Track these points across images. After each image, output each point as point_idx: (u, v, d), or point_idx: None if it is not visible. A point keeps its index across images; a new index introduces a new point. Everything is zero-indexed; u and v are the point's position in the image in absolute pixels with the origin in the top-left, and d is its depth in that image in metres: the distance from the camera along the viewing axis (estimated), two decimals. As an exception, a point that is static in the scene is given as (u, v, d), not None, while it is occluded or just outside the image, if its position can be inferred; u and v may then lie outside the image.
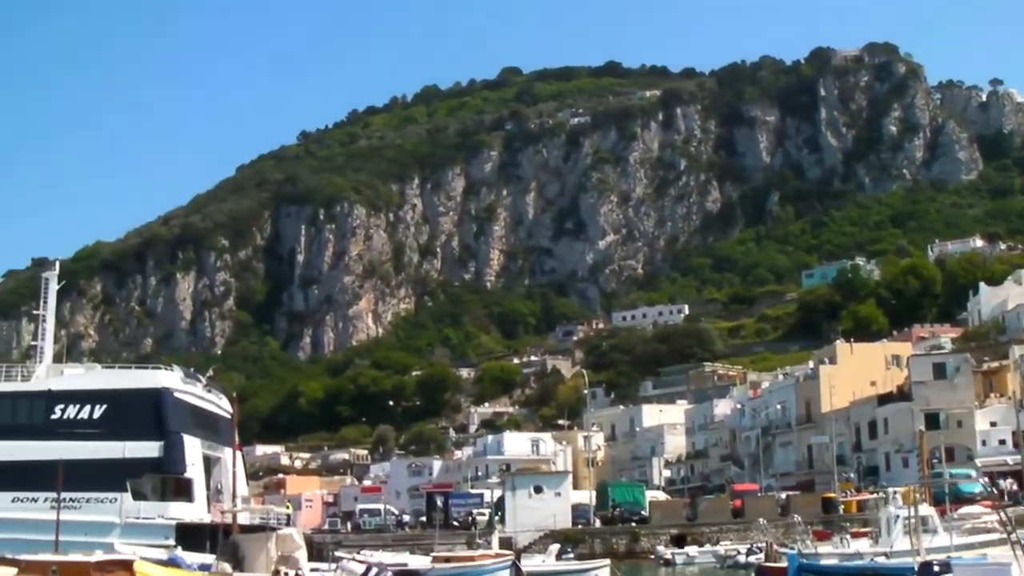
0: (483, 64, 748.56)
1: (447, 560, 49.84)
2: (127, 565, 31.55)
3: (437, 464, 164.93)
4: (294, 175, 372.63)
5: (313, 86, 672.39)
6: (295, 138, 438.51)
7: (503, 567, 47.02)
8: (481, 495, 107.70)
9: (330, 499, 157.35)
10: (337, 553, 57.62)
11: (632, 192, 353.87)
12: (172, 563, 44.12)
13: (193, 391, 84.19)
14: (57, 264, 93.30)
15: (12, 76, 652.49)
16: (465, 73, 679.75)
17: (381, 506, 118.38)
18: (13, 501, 71.70)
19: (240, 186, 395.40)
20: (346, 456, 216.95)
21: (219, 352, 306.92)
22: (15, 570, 31.33)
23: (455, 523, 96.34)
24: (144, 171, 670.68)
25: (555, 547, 64.17)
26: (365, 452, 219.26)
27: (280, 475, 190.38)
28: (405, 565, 47.74)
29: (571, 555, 68.76)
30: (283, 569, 38.83)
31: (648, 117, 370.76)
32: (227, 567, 42.63)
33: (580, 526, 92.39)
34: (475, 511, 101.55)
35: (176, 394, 79.41)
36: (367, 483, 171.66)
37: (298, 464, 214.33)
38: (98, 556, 32.14)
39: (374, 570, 39.82)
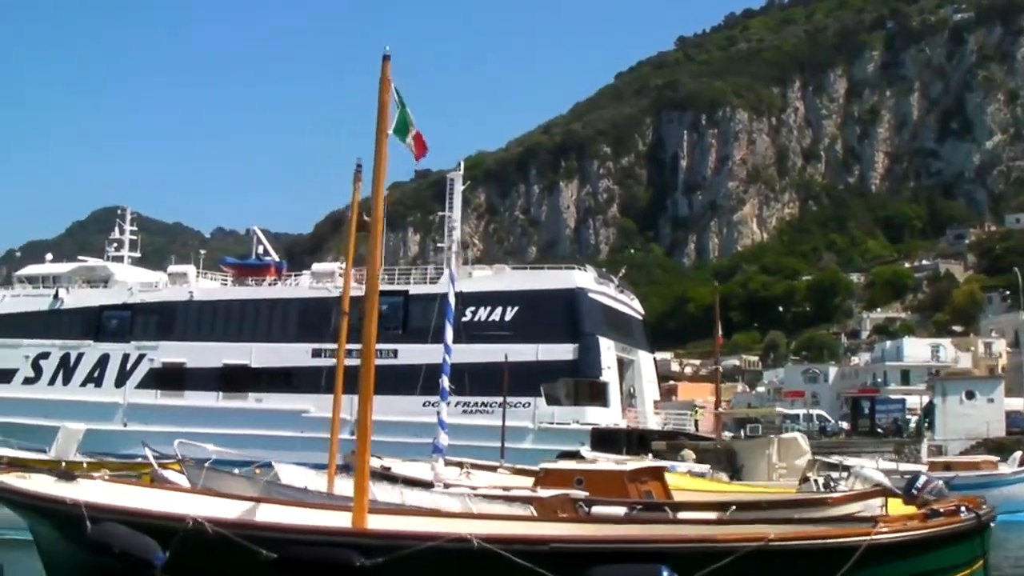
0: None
1: (946, 467, 48.17)
2: (658, 473, 31.55)
3: (832, 370, 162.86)
4: (674, 80, 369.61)
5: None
6: (672, 44, 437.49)
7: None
8: (903, 401, 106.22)
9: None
10: (850, 460, 56.73)
11: (1020, 90, 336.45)
12: None
13: (607, 292, 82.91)
14: (461, 164, 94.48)
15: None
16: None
17: (802, 411, 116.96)
18: (424, 405, 68.78)
19: (620, 93, 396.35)
20: (737, 362, 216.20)
21: (603, 259, 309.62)
22: (532, 479, 31.34)
23: (879, 430, 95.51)
24: (522, 82, 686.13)
25: (1018, 454, 61.77)
26: (755, 358, 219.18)
27: (671, 381, 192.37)
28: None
29: (1028, 464, 66.79)
30: (811, 475, 36.76)
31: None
32: (723, 476, 40.78)
33: (1015, 435, 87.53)
34: (898, 417, 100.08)
35: (591, 295, 78.80)
36: (759, 389, 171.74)
37: (688, 371, 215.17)
38: (631, 464, 31.86)
39: (923, 478, 36.96)
